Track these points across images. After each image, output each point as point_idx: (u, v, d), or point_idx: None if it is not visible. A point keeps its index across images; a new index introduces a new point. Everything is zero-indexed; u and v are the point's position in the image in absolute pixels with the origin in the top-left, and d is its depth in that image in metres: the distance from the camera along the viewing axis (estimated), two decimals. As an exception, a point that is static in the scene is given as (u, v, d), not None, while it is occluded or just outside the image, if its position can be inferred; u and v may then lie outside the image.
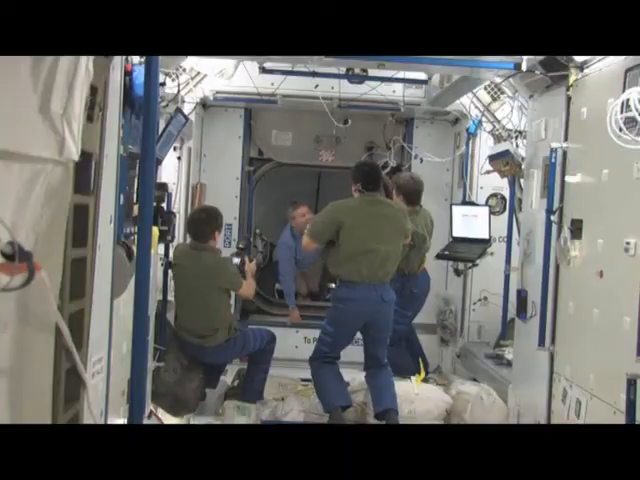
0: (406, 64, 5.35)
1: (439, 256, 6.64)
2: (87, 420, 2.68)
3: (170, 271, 5.46)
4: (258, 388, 5.84)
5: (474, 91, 6.23)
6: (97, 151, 2.80)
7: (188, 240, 5.86)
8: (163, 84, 4.75)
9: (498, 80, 5.52)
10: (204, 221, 5.55)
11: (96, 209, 2.82)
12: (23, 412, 2.18)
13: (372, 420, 5.27)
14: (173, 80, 5.19)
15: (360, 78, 6.46)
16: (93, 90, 2.61)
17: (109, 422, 3.25)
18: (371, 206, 5.22)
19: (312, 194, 9.38)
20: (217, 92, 6.71)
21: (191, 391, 5.52)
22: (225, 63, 5.92)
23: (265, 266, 8.18)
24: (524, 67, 4.57)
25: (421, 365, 6.07)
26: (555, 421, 4.36)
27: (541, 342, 4.51)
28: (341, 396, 5.25)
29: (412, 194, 6.04)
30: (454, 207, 6.75)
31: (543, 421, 4.48)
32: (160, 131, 4.30)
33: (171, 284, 5.60)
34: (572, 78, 4.32)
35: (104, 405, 3.18)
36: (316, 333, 6.71)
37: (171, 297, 5.57)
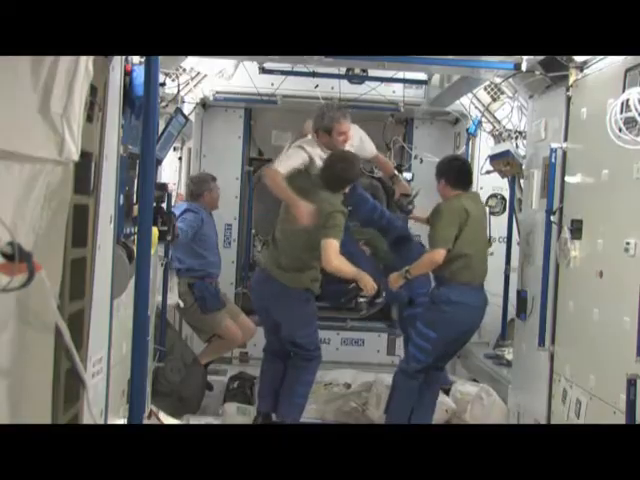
0: (406, 64, 5.34)
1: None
2: (87, 420, 2.68)
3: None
4: (300, 402, 5.03)
5: (474, 91, 6.23)
6: (97, 151, 2.80)
7: None
8: (163, 84, 4.75)
9: (498, 80, 5.52)
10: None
11: (96, 209, 2.82)
12: (23, 412, 2.18)
13: (372, 420, 5.28)
14: (173, 80, 5.19)
15: (360, 78, 6.46)
16: (93, 90, 2.61)
17: (109, 422, 3.26)
18: (475, 204, 4.92)
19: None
20: (217, 92, 6.71)
21: (195, 390, 5.53)
22: (225, 63, 5.93)
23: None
24: (524, 67, 4.56)
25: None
26: (555, 421, 4.35)
27: (541, 342, 4.51)
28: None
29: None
30: (454, 207, 6.73)
31: (543, 421, 4.48)
32: (160, 131, 4.30)
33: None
34: (572, 78, 4.32)
35: (104, 405, 3.18)
36: (326, 334, 6.59)
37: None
